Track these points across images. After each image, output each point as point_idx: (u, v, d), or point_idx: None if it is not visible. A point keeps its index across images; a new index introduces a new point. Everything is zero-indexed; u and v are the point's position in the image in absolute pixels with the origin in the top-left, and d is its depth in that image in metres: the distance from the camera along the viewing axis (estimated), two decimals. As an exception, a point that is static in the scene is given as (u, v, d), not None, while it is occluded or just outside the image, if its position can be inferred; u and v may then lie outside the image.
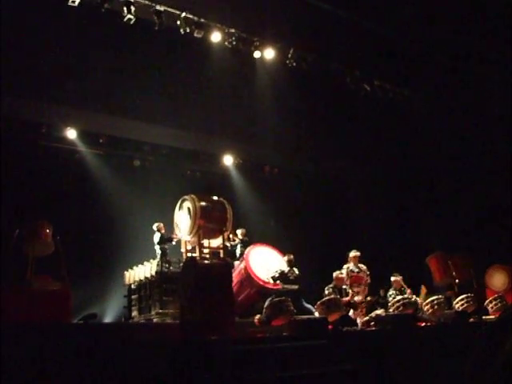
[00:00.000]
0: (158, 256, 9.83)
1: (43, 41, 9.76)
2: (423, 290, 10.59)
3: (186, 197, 8.86)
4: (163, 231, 10.02)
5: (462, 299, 10.04)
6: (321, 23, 11.20)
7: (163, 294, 9.40)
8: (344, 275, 9.63)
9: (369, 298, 9.57)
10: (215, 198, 9.09)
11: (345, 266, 9.91)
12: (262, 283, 9.50)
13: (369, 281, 9.94)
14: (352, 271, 9.81)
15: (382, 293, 10.53)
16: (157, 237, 10.00)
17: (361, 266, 9.98)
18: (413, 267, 11.35)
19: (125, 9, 9.85)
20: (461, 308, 9.87)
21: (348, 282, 9.65)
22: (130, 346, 5.92)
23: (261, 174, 15.11)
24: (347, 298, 9.30)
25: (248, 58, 11.69)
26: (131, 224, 11.80)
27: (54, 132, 11.92)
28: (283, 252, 9.98)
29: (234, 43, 11.13)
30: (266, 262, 9.77)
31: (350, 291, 9.49)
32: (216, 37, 10.94)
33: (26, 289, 7.14)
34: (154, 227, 10.09)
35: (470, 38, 11.46)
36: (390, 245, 13.68)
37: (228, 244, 9.88)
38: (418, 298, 9.85)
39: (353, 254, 10.03)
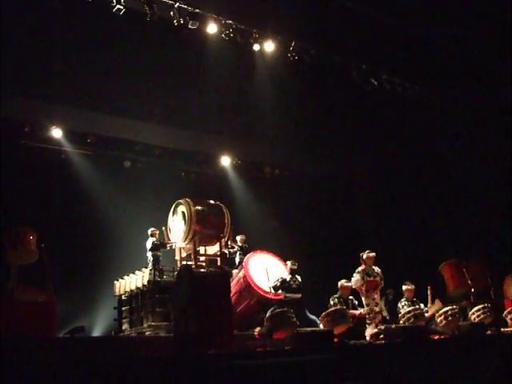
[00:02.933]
0: (150, 264, 9.82)
1: (26, 34, 9.76)
2: (430, 292, 10.39)
3: (180, 200, 8.87)
4: (157, 237, 10.02)
5: (479, 310, 10.01)
6: (324, 13, 11.22)
7: (156, 306, 9.38)
8: (358, 281, 9.41)
9: (377, 309, 9.52)
10: (212, 201, 9.10)
11: (359, 269, 9.56)
12: (262, 293, 9.49)
13: (382, 285, 9.77)
14: (368, 275, 9.59)
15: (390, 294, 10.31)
16: (149, 243, 9.99)
17: (375, 268, 9.72)
18: (425, 275, 11.33)
19: (114, -2, 9.85)
20: (477, 319, 9.84)
21: (364, 289, 9.44)
22: (121, 362, 5.90)
23: (261, 176, 15.13)
24: (357, 312, 9.25)
25: (246, 51, 11.69)
26: (122, 230, 11.80)
27: (39, 131, 11.93)
28: (285, 259, 9.96)
29: (232, 35, 11.13)
30: (266, 271, 9.76)
31: (364, 300, 9.35)
32: (212, 28, 10.95)
33: (9, 300, 7.12)
34: (149, 232, 10.09)
35: (483, 29, 11.49)
36: (400, 251, 13.67)
37: (226, 251, 9.87)
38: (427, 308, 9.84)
39: (368, 254, 9.64)
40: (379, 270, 9.72)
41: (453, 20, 11.67)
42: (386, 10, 11.39)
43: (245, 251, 10.70)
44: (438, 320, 9.55)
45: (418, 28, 12.01)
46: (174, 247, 9.22)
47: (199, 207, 8.57)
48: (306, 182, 15.33)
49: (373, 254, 9.71)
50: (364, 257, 9.67)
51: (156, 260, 9.87)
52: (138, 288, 9.89)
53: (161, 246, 9.80)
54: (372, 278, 9.49)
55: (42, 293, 7.48)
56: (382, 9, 11.40)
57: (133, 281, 10.05)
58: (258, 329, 8.44)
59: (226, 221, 8.75)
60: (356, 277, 9.48)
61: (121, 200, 12.18)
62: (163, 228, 9.44)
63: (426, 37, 12.32)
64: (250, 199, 14.28)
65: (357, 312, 9.34)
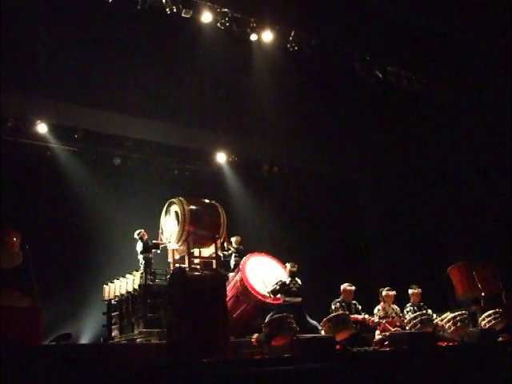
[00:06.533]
0: (142, 267, 9.80)
1: (8, 25, 9.71)
2: None
3: (173, 199, 8.83)
4: (146, 238, 9.99)
5: (489, 315, 10.01)
6: (326, 1, 11.21)
7: (148, 311, 9.37)
8: (379, 316, 9.24)
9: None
10: (206, 200, 9.07)
11: (379, 307, 9.49)
12: (260, 297, 9.48)
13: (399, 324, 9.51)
14: (387, 315, 9.34)
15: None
16: (139, 246, 9.97)
17: (395, 307, 9.61)
18: (433, 279, 11.34)
19: (102, -15, 9.84)
20: (488, 325, 9.84)
21: (383, 327, 9.19)
22: (110, 371, 5.88)
23: (258, 174, 15.10)
24: (360, 317, 9.23)
25: (243, 42, 11.68)
26: (111, 231, 11.78)
27: (22, 126, 11.88)
28: (284, 262, 9.96)
29: (228, 24, 11.13)
30: (264, 274, 9.76)
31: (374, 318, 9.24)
32: (206, 17, 10.94)
33: (-10, 306, 7.10)
34: (136, 235, 10.05)
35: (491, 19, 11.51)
36: (406, 253, 13.67)
37: (221, 253, 9.85)
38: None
39: (387, 292, 9.52)
40: (398, 309, 9.60)
41: (458, 11, 11.69)
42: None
43: (241, 253, 10.70)
44: (447, 326, 9.55)
45: (423, 17, 12.00)
46: (168, 247, 9.20)
47: (193, 206, 8.54)
48: (306, 181, 15.33)
49: (393, 293, 9.61)
50: (383, 294, 9.57)
51: (148, 263, 9.85)
52: (128, 292, 9.88)
53: (153, 247, 9.77)
54: (390, 319, 9.37)
55: (26, 297, 7.45)
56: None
57: (123, 285, 10.04)
58: (255, 335, 8.42)
59: (222, 221, 8.72)
60: (377, 314, 9.37)
61: (110, 199, 12.15)
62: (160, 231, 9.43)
63: (432, 27, 12.31)
64: (247, 198, 14.26)
65: (360, 317, 9.33)
